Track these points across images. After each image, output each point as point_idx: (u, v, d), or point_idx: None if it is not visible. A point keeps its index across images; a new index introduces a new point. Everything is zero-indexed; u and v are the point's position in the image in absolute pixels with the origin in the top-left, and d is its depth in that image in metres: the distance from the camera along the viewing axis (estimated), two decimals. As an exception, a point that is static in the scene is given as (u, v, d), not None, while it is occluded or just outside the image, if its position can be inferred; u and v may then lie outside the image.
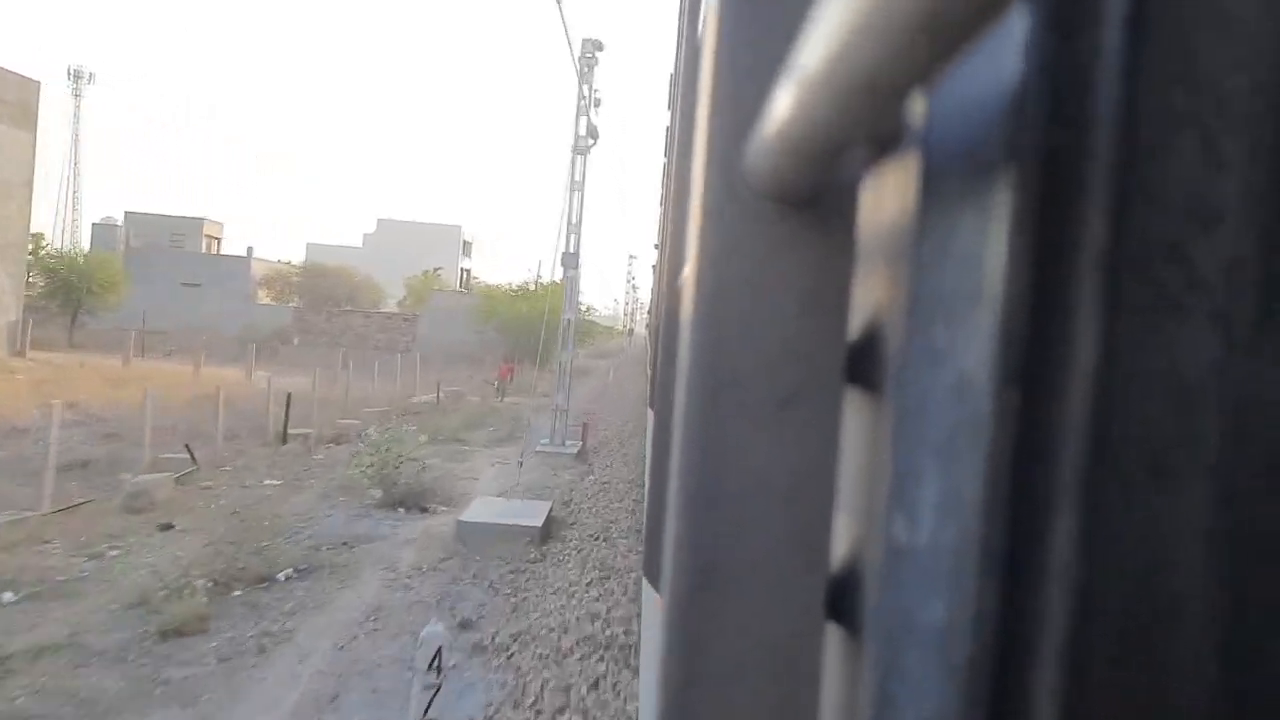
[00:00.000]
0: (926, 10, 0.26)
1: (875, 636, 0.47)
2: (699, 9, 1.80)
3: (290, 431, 19.63)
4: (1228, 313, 0.42)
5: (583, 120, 21.40)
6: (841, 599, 0.55)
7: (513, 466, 16.77)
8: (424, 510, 13.65)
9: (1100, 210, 0.37)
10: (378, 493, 13.80)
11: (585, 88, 21.16)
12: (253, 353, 38.82)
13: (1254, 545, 0.42)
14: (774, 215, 0.56)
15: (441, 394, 31.28)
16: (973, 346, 0.38)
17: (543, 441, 20.47)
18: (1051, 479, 0.37)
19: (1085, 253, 0.37)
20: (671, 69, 5.41)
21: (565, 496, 15.13)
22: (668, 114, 6.70)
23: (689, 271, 0.65)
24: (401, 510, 13.52)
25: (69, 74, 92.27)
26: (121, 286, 47.48)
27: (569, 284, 22.83)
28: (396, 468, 14.01)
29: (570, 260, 22.14)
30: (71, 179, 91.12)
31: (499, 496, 14.12)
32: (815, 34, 0.36)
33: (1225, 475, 0.42)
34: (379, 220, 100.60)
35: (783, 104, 0.43)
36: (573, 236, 22.04)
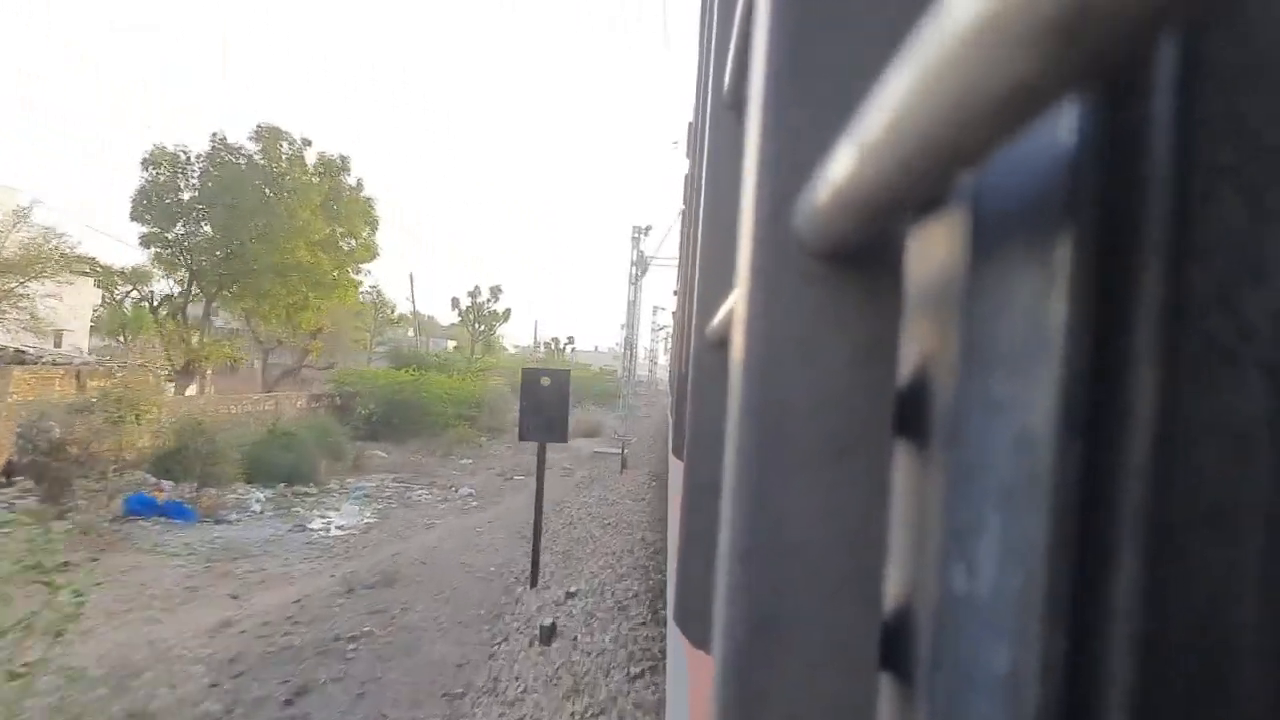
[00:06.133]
0: (993, 87, 0.28)
1: (934, 685, 0.48)
2: (724, 64, 1.83)
3: None
4: (1277, 362, 0.43)
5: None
6: (894, 648, 0.56)
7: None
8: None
9: (1154, 263, 0.38)
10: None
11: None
12: None
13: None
14: (822, 272, 0.57)
15: None
16: (1035, 398, 0.39)
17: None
18: (1114, 526, 0.38)
19: (1141, 304, 0.38)
20: (692, 118, 5.48)
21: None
22: (687, 162, 6.76)
23: (736, 328, 0.66)
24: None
25: None
26: None
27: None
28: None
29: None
30: None
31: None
32: (878, 102, 0.37)
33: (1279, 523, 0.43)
34: None
35: (839, 167, 0.44)
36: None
